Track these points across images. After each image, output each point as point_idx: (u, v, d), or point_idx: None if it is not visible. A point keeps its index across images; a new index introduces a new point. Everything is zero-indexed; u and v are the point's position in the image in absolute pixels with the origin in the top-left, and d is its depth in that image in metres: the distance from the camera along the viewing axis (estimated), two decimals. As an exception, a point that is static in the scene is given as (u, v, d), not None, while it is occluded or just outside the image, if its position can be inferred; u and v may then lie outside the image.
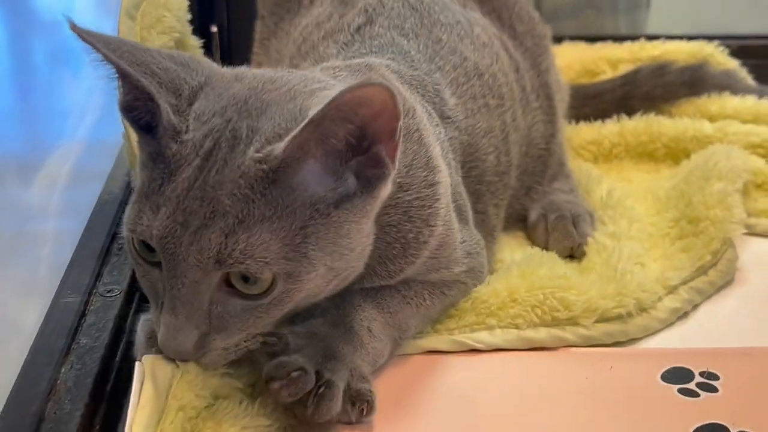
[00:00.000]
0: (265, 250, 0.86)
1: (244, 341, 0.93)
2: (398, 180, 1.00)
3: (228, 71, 0.97)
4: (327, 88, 0.95)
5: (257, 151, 0.87)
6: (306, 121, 0.84)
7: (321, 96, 0.91)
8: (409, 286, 1.08)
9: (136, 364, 0.96)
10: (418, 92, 1.16)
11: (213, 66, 0.98)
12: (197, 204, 0.86)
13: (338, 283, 0.95)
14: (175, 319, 0.88)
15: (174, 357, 0.92)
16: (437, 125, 1.15)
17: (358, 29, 1.25)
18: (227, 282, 0.89)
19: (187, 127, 0.89)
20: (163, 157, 0.89)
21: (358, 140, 0.89)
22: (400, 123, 0.89)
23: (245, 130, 0.89)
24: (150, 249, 0.90)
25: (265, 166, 0.86)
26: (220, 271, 0.87)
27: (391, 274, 1.05)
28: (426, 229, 1.04)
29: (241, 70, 0.99)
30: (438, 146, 1.09)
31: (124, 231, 0.92)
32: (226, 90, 0.93)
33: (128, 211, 0.91)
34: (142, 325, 1.01)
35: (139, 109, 0.92)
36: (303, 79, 0.97)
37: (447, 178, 1.08)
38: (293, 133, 0.85)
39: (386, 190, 0.94)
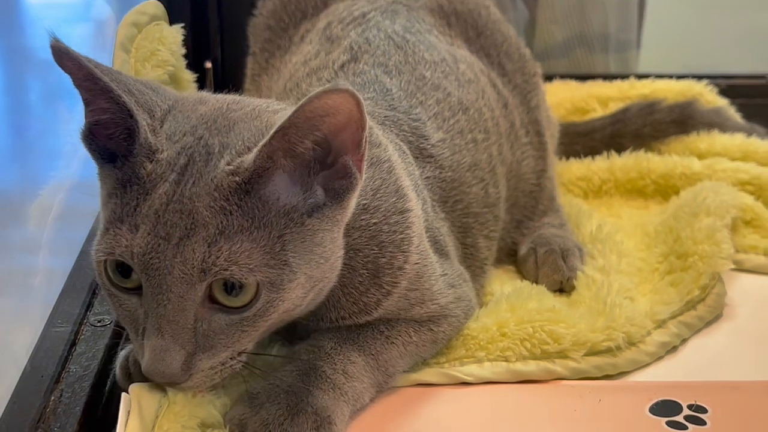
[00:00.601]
0: (248, 258, 0.87)
1: (230, 359, 0.92)
2: (363, 202, 1.01)
3: (191, 95, 0.99)
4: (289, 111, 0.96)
5: (228, 164, 0.89)
6: (274, 129, 0.86)
7: (284, 112, 0.93)
8: (391, 326, 1.08)
9: (123, 394, 0.96)
10: (392, 131, 1.18)
11: (175, 92, 1.00)
12: (177, 216, 0.87)
13: (314, 296, 0.96)
14: (161, 340, 0.88)
15: (161, 380, 0.91)
16: (411, 164, 1.16)
17: (342, 66, 1.27)
18: (210, 298, 0.89)
19: (162, 146, 0.91)
20: (137, 178, 0.90)
21: (323, 153, 0.91)
22: (366, 133, 0.90)
23: (217, 146, 0.91)
24: (125, 275, 0.90)
25: (237, 178, 0.88)
26: (204, 282, 0.87)
27: (366, 309, 1.04)
28: (400, 254, 1.04)
29: (203, 94, 1.01)
30: (409, 180, 1.09)
31: (95, 261, 0.92)
32: (193, 111, 0.95)
33: (99, 240, 0.91)
34: (119, 361, 1.02)
35: (100, 138, 0.93)
36: (265, 102, 1.00)
37: (418, 208, 1.09)
38: (262, 142, 0.87)
39: (354, 201, 0.96)
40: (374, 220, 1.03)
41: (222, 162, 0.89)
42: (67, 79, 0.93)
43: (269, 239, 0.89)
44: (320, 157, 0.91)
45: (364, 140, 0.91)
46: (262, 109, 0.97)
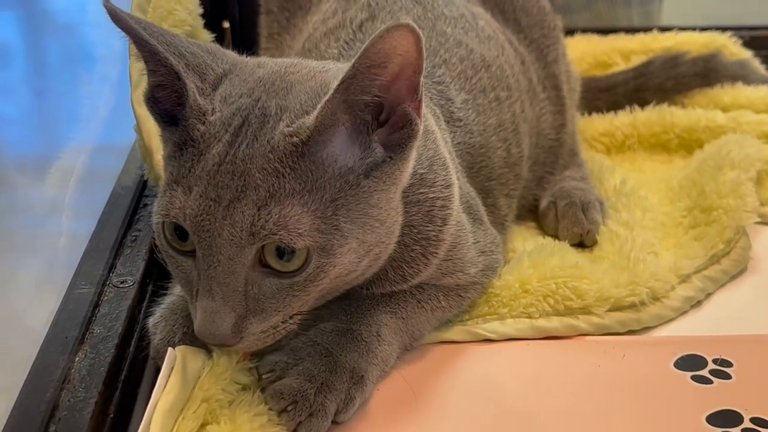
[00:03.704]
0: (297, 222, 0.86)
1: (282, 322, 0.92)
2: (420, 172, 1.00)
3: (250, 60, 0.98)
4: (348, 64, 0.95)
5: (288, 126, 0.88)
6: (337, 82, 0.85)
7: (338, 68, 0.92)
8: (423, 289, 1.08)
9: (168, 350, 0.95)
10: (425, 95, 1.15)
11: (235, 55, 0.99)
12: (229, 178, 0.87)
13: (370, 262, 0.95)
14: (212, 302, 0.88)
15: (212, 342, 0.90)
16: (444, 131, 1.14)
17: (360, 26, 1.24)
18: (261, 262, 0.88)
19: (213, 109, 0.90)
20: (191, 140, 0.89)
21: (377, 112, 0.89)
22: (422, 77, 0.88)
23: (274, 108, 0.90)
24: (181, 237, 0.90)
25: (295, 139, 0.87)
26: (254, 246, 0.87)
27: (406, 278, 1.04)
28: (444, 228, 1.04)
29: (262, 58, 1.00)
30: (446, 150, 1.08)
31: (154, 223, 0.92)
32: (251, 75, 0.94)
33: (157, 202, 0.91)
34: (161, 331, 1.01)
35: (162, 101, 0.93)
36: (319, 63, 0.99)
37: (456, 180, 1.08)
38: (325, 98, 0.86)
39: (414, 154, 0.94)
40: (431, 195, 1.02)
41: (281, 124, 0.88)
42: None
43: (321, 203, 0.88)
44: (377, 114, 0.89)
45: (420, 85, 0.89)
46: (317, 70, 0.95)
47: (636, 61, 1.78)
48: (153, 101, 0.93)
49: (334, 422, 0.96)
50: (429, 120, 1.07)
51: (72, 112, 1.69)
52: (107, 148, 1.59)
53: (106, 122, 1.63)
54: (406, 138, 0.91)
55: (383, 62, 0.85)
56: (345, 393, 0.96)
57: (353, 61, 0.84)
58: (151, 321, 1.02)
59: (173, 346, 0.98)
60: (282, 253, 0.88)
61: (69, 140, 1.59)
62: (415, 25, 0.83)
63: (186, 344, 0.98)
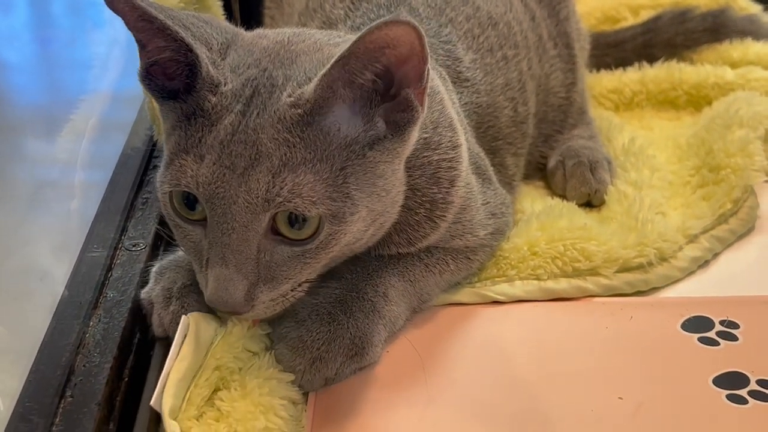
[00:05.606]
0: (311, 190, 0.87)
1: (291, 290, 0.93)
2: (424, 136, 1.00)
3: (248, 32, 0.98)
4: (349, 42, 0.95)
5: (290, 95, 0.88)
6: (333, 59, 0.85)
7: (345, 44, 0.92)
8: (431, 253, 1.08)
9: (182, 317, 0.97)
10: (431, 57, 1.15)
11: (232, 26, 0.99)
12: (242, 147, 0.87)
13: (375, 230, 0.96)
14: (225, 269, 0.89)
15: (224, 309, 0.91)
16: (451, 91, 1.14)
17: None
18: (273, 230, 0.89)
19: (225, 80, 0.90)
20: (202, 110, 0.89)
21: (385, 85, 0.89)
22: (428, 66, 0.89)
23: (281, 78, 0.90)
24: (190, 206, 0.91)
25: (299, 110, 0.88)
26: (268, 213, 0.87)
27: (412, 241, 1.05)
28: (452, 190, 1.04)
29: (260, 30, 1.00)
30: (453, 111, 1.08)
31: (160, 193, 0.92)
32: (255, 45, 0.94)
33: (163, 172, 0.92)
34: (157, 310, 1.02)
35: (159, 78, 0.92)
36: (326, 34, 0.99)
37: (464, 140, 1.08)
38: (321, 72, 0.86)
39: (415, 134, 0.95)
40: (435, 157, 1.02)
41: (284, 94, 0.89)
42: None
43: (332, 172, 0.88)
44: (382, 89, 0.90)
45: (426, 73, 0.89)
46: (324, 42, 0.96)
47: (645, 15, 1.76)
48: (148, 78, 0.93)
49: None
50: (434, 81, 1.06)
51: (80, 63, 1.69)
52: (118, 99, 1.58)
53: (118, 73, 1.62)
54: (405, 122, 0.92)
55: (384, 47, 0.85)
56: (340, 363, 0.97)
57: (349, 44, 0.84)
58: (154, 269, 1.04)
59: (172, 297, 1.00)
60: (294, 220, 0.89)
61: (78, 91, 1.58)
62: (414, 22, 0.83)
63: (184, 295, 1.00)
